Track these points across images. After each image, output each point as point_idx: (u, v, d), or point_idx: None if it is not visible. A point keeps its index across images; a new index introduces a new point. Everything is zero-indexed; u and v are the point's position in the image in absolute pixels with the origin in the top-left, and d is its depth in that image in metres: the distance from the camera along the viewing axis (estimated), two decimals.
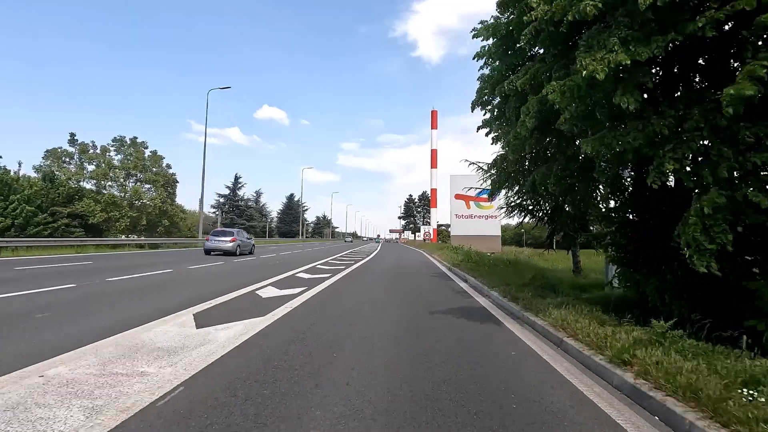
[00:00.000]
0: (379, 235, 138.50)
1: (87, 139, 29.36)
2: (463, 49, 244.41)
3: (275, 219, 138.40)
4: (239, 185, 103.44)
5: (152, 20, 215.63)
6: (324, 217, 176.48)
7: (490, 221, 27.41)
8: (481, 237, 26.37)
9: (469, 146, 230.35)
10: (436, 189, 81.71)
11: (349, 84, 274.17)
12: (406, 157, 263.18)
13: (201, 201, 30.05)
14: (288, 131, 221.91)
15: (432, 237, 42.21)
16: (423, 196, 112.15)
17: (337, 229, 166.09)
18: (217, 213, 50.49)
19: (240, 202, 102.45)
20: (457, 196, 27.72)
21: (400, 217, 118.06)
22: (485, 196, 28.54)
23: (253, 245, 25.94)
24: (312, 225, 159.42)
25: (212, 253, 21.50)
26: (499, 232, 27.85)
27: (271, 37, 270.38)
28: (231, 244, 21.76)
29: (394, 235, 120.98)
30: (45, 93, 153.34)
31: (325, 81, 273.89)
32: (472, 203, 27.29)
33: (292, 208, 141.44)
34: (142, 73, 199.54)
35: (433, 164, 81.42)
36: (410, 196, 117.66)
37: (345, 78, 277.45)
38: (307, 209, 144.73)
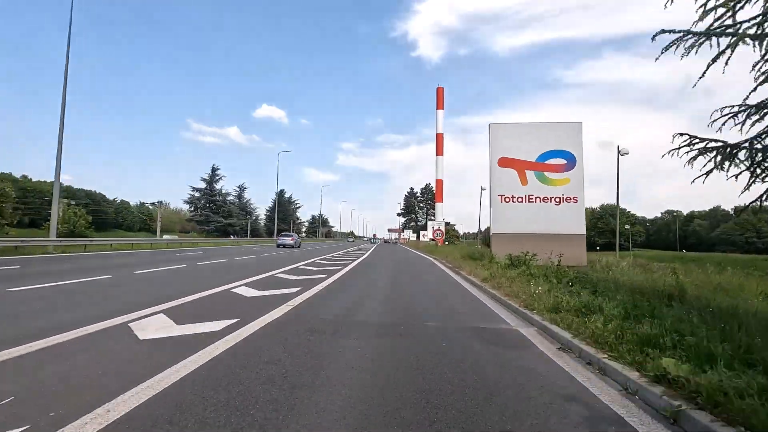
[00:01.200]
0: (375, 235, 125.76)
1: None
2: (463, 50, 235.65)
3: (263, 217, 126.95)
4: (216, 178, 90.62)
5: (149, 18, 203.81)
6: (320, 215, 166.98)
7: (566, 207, 14.86)
8: (549, 237, 13.90)
9: (469, 146, 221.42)
10: (442, 180, 69.20)
11: (349, 83, 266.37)
12: (406, 158, 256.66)
13: (57, 175, 17.48)
14: (287, 130, 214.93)
15: (442, 237, 29.10)
16: (426, 189, 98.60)
17: (333, 229, 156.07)
18: (157, 205, 39.14)
19: (217, 197, 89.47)
20: (504, 162, 15.10)
21: (399, 214, 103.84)
22: (560, 160, 15.54)
23: (300, 241, 43.73)
24: (306, 224, 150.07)
25: (281, 246, 34.54)
26: (583, 229, 14.99)
27: (270, 35, 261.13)
28: (292, 241, 36.12)
29: (393, 235, 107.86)
30: (42, 93, 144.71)
31: (324, 80, 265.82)
32: (531, 175, 14.60)
33: (283, 205, 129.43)
34: (138, 71, 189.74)
35: (439, 150, 69.00)
36: (411, 189, 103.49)
37: (345, 77, 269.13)
38: (299, 207, 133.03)
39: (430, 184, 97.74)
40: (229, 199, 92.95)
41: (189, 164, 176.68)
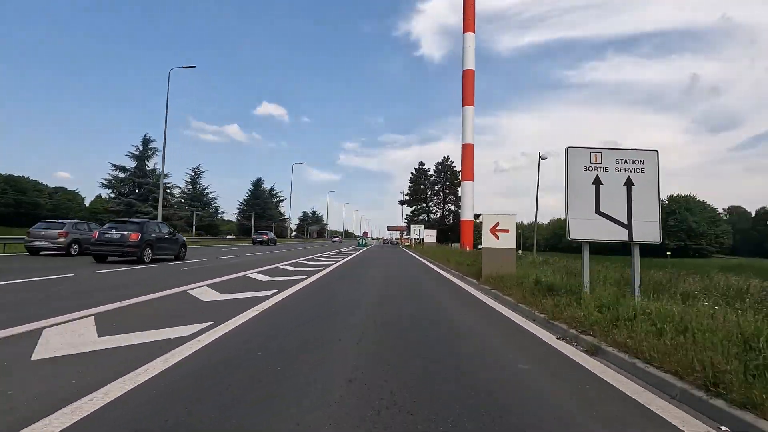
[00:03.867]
0: (366, 233, 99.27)
1: None
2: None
3: (236, 211, 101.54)
4: (149, 153, 64.31)
5: (149, 15, 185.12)
6: (313, 213, 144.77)
7: None
8: None
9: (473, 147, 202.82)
10: (472, 145, 42.98)
11: (351, 82, 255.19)
12: (407, 157, 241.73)
13: None
14: (288, 128, 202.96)
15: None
16: (443, 166, 68.17)
17: (326, 226, 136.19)
18: None
19: (148, 179, 63.32)
20: None
21: (402, 203, 73.29)
22: None
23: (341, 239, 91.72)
24: (297, 221, 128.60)
25: (333, 242, 75.15)
26: None
27: (271, 32, 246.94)
28: (339, 240, 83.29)
29: (395, 234, 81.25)
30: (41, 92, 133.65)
31: (326, 78, 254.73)
32: None
33: (260, 198, 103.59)
34: (137, 69, 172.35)
35: (467, 98, 42.69)
36: (421, 165, 70.92)
37: (346, 76, 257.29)
38: (282, 200, 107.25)
39: (449, 157, 68.17)
40: (168, 182, 66.19)
41: (189, 163, 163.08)
